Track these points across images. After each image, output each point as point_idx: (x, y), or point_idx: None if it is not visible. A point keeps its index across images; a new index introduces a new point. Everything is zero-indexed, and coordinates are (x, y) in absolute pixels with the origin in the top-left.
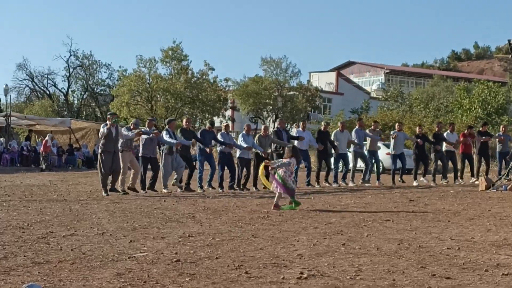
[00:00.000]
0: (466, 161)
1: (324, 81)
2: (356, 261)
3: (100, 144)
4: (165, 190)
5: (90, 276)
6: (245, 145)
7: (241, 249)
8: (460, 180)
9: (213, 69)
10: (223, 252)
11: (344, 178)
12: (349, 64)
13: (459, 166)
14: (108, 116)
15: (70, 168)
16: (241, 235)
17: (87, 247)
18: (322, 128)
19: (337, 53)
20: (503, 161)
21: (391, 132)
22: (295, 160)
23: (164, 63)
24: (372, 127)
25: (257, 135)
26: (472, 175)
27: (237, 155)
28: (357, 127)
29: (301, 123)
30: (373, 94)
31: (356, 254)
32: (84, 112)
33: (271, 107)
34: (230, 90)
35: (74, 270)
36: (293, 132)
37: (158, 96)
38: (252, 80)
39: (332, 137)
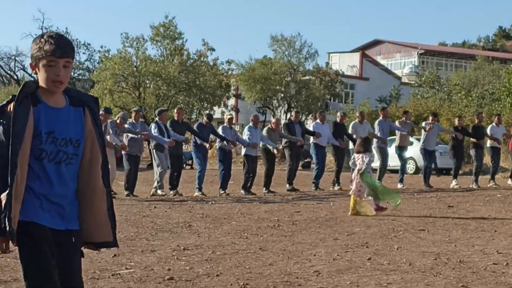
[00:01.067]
0: None
1: (346, 63)
2: (385, 279)
3: None
4: (160, 192)
5: None
6: (249, 141)
7: (246, 264)
8: (510, 182)
9: (213, 50)
10: (225, 268)
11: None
12: (375, 43)
13: (507, 165)
14: (102, 112)
15: None
16: (247, 248)
17: None
18: (338, 119)
19: (361, 30)
20: None
21: (424, 123)
22: (369, 154)
23: (155, 42)
24: (403, 118)
25: (266, 128)
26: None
27: (243, 152)
28: (380, 118)
29: (319, 114)
30: (405, 79)
31: (384, 270)
32: None
33: (282, 95)
34: (234, 74)
35: None
36: (310, 125)
37: (147, 81)
38: (260, 63)
39: (349, 130)
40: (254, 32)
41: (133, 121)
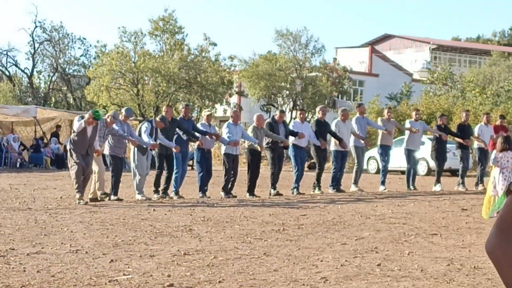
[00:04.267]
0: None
1: (355, 59)
2: (395, 285)
3: (71, 138)
4: (139, 197)
5: None
6: (227, 139)
7: (250, 270)
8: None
9: (215, 45)
10: (227, 274)
11: (338, 182)
12: (385, 38)
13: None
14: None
15: (38, 167)
16: (250, 253)
17: (57, 268)
18: (319, 116)
19: (370, 24)
20: None
21: (408, 122)
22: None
23: (154, 36)
24: (386, 116)
25: (251, 126)
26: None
27: (223, 151)
28: (357, 115)
29: (298, 113)
30: (416, 76)
31: (394, 277)
32: (53, 99)
33: (287, 92)
34: (236, 70)
35: None
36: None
37: (146, 78)
38: (264, 58)
39: (333, 128)
40: (258, 26)
41: (121, 121)
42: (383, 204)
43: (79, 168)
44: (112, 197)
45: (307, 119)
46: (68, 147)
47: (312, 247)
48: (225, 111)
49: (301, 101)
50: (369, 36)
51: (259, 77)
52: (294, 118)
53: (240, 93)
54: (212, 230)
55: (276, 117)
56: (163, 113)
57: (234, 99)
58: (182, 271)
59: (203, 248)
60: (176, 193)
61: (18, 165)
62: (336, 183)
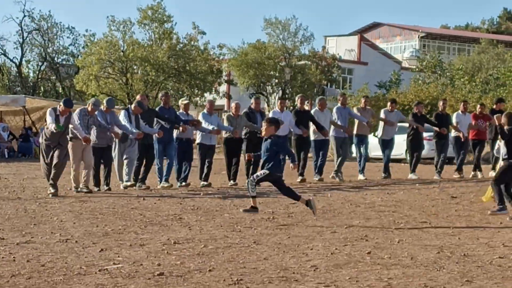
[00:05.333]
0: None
1: (344, 47)
2: (385, 273)
3: (44, 132)
4: (122, 186)
5: None
6: (210, 127)
7: (240, 259)
8: (478, 173)
9: (204, 33)
10: (217, 263)
11: (319, 171)
12: (374, 26)
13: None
14: (61, 104)
15: (26, 157)
16: (240, 242)
17: (47, 258)
18: (298, 105)
19: (359, 12)
20: None
21: (382, 112)
22: None
23: (142, 25)
24: (362, 104)
25: (226, 115)
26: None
27: (197, 140)
28: (338, 104)
29: (278, 102)
30: (405, 64)
31: (385, 265)
32: (42, 88)
33: (276, 81)
34: (225, 59)
35: (31, 286)
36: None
37: (135, 67)
38: (253, 47)
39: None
40: (246, 14)
41: (103, 111)
42: (373, 192)
43: (43, 168)
44: (95, 188)
45: (262, 110)
46: (40, 141)
47: (302, 235)
48: (214, 99)
49: (290, 89)
50: (358, 24)
51: (248, 65)
52: (249, 107)
53: (229, 82)
54: (202, 219)
55: (252, 106)
56: (162, 101)
57: (223, 88)
58: (172, 260)
59: (193, 237)
60: (166, 181)
61: (6, 155)
62: (319, 171)
